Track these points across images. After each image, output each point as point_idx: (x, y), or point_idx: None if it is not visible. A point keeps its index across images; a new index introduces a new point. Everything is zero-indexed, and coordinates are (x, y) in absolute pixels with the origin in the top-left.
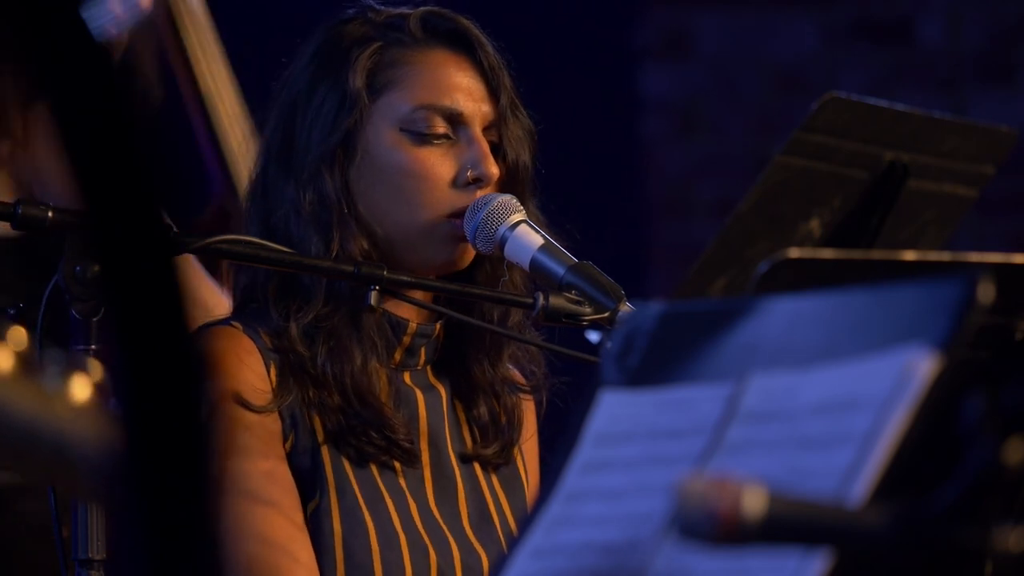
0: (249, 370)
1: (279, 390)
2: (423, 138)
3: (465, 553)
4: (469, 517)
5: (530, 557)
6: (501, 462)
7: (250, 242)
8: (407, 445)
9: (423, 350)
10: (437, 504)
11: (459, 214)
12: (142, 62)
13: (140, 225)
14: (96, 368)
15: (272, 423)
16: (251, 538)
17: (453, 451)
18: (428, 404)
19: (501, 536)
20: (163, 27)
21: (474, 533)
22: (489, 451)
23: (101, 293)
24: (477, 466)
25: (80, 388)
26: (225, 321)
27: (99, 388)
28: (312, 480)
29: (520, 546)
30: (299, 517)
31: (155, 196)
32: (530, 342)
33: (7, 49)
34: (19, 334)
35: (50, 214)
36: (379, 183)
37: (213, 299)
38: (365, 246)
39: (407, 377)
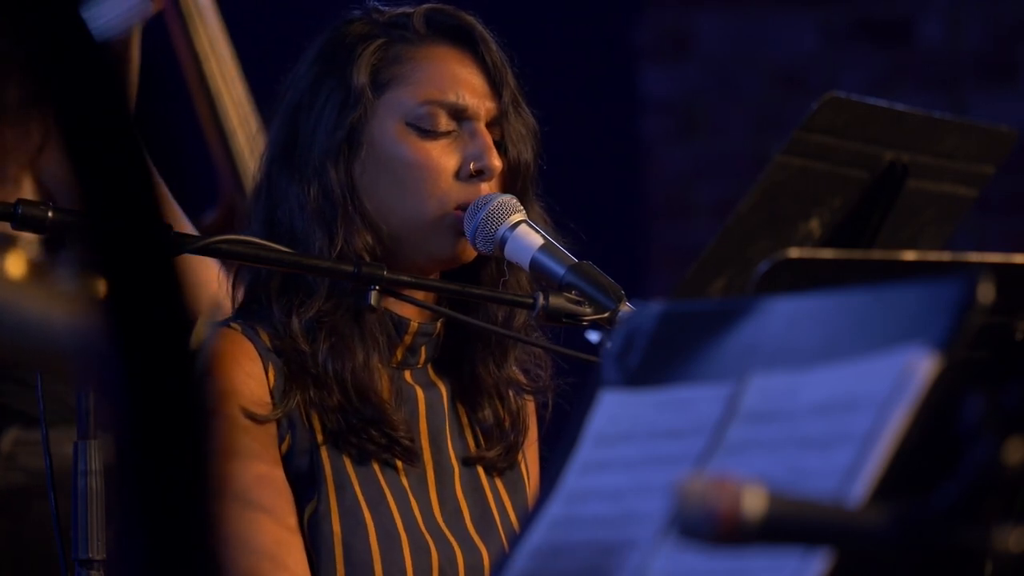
0: (246, 372)
1: (278, 394)
2: (428, 133)
3: (467, 551)
4: (471, 515)
5: (530, 557)
6: (505, 465)
7: (250, 242)
8: (407, 443)
9: (424, 348)
10: (439, 502)
11: (463, 207)
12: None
13: (140, 225)
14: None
15: (268, 426)
16: (234, 543)
17: (454, 450)
18: (428, 402)
19: (502, 534)
20: (173, 24)
21: (476, 531)
22: (492, 454)
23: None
24: (480, 468)
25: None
26: (224, 322)
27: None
28: (310, 481)
29: (520, 546)
30: (292, 521)
31: (155, 196)
32: (531, 342)
33: (14, 50)
34: (30, 240)
35: (50, 214)
36: (384, 177)
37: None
38: (370, 241)
39: (408, 375)
